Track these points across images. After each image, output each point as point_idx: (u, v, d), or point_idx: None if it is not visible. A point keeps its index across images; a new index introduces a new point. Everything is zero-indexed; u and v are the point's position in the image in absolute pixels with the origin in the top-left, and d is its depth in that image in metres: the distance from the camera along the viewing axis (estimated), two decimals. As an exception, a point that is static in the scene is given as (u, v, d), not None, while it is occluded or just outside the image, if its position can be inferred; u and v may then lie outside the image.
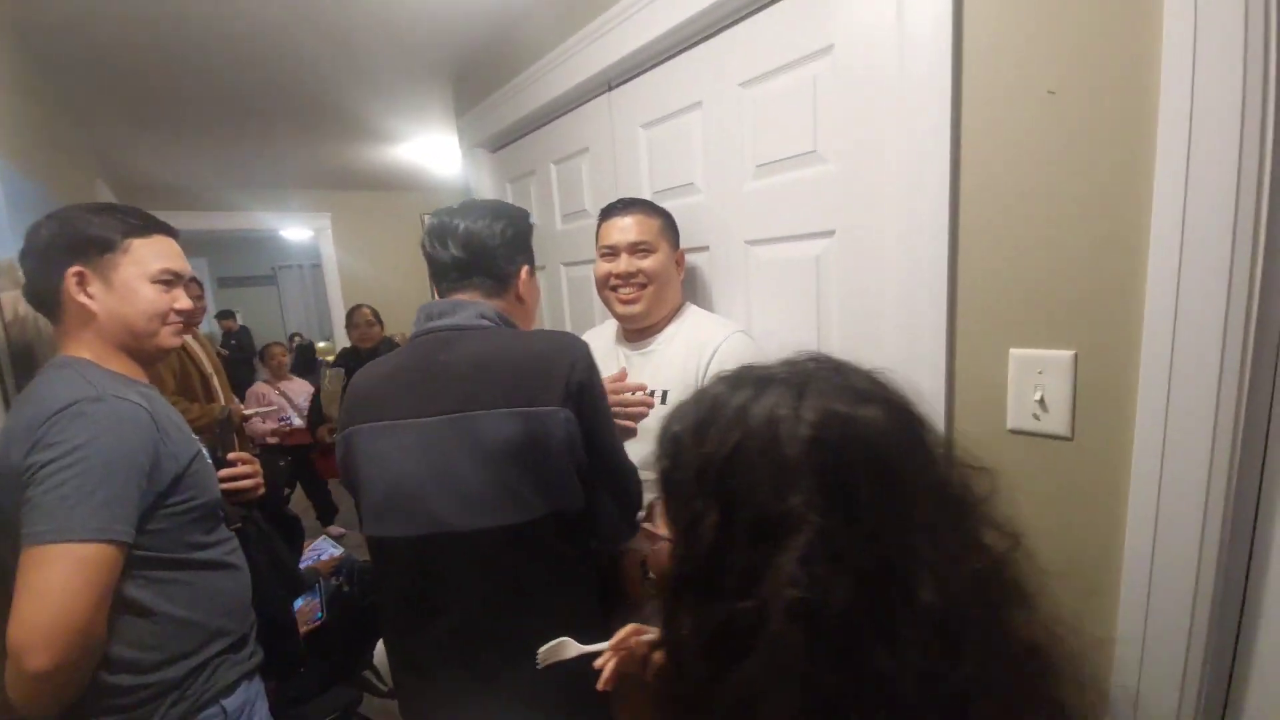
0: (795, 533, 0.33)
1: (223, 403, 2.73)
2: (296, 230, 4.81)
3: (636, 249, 1.14)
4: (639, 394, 1.14)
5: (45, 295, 0.92)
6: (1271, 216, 0.62)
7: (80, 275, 0.89)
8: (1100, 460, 0.76)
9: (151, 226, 0.96)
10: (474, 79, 2.08)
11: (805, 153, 1.06)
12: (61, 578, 0.74)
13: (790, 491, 0.34)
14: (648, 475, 0.84)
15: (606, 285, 1.18)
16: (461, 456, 0.86)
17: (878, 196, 0.95)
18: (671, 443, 0.41)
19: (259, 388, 3.67)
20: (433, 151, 3.34)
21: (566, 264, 1.81)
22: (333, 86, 2.33)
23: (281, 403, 3.64)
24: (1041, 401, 0.80)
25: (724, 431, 0.37)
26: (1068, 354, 0.77)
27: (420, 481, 0.88)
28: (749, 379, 0.40)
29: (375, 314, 3.41)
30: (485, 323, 0.94)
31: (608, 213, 1.20)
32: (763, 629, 0.33)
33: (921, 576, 0.32)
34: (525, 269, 1.03)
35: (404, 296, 4.75)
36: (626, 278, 1.14)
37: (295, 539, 1.38)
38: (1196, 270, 0.65)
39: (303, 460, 3.51)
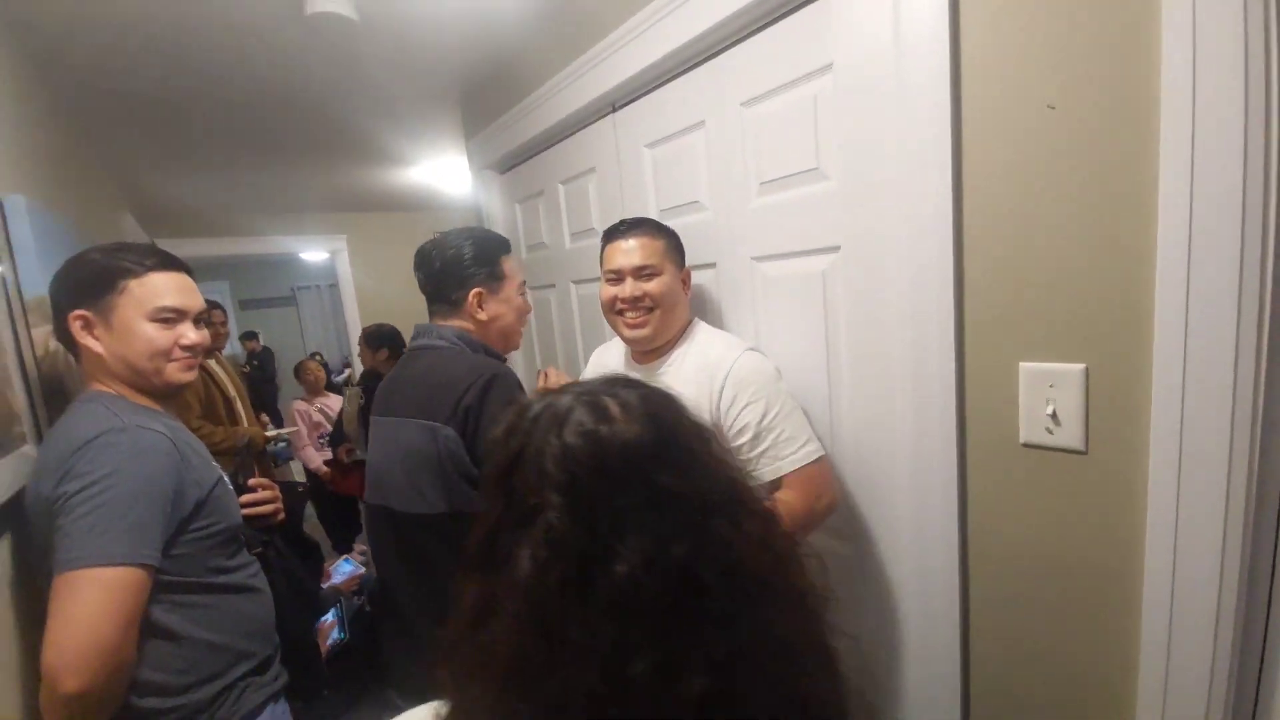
0: (534, 525, 0.41)
1: (246, 425, 2.79)
2: (314, 253, 4.91)
3: (641, 272, 1.14)
4: None
5: (62, 337, 0.95)
6: None
7: (83, 319, 0.92)
8: (1116, 473, 0.76)
9: (152, 265, 0.95)
10: (481, 103, 2.12)
11: (807, 170, 1.07)
12: (90, 602, 0.77)
13: (541, 491, 0.42)
14: None
15: (612, 309, 1.18)
16: (396, 452, 1.08)
17: (881, 211, 0.95)
18: (489, 445, 0.48)
19: (299, 405, 3.61)
20: (444, 173, 3.40)
21: (576, 281, 1.83)
22: (345, 112, 2.38)
23: (321, 419, 3.65)
24: (1054, 415, 0.79)
25: (518, 438, 0.45)
26: (1078, 368, 0.77)
27: (379, 464, 1.12)
28: (551, 393, 0.48)
29: (367, 339, 3.29)
30: (441, 343, 1.14)
31: (610, 235, 1.20)
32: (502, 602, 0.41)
33: (623, 557, 0.39)
34: (476, 291, 1.14)
35: (420, 313, 4.78)
36: (633, 302, 1.14)
37: (315, 562, 1.40)
38: (1205, 279, 0.65)
39: (318, 482, 3.50)
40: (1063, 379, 0.78)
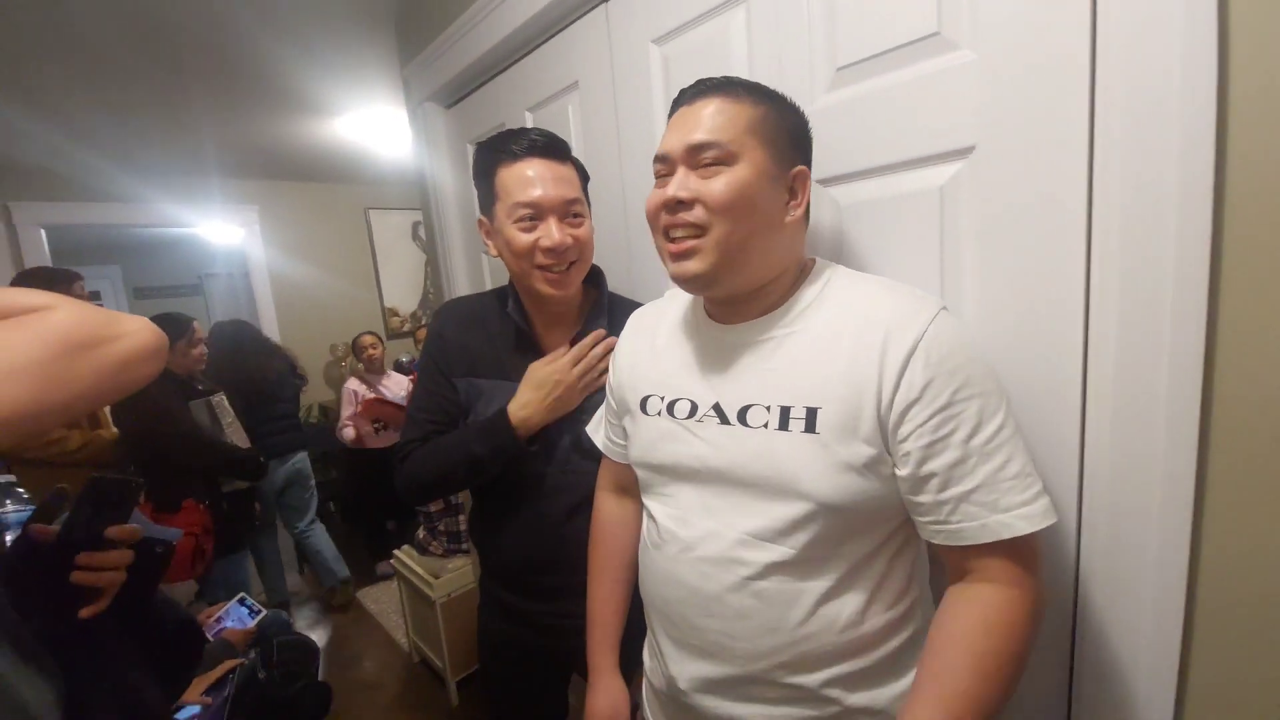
0: None
1: (113, 428, 2.24)
2: (219, 228, 4.18)
3: (699, 155, 0.65)
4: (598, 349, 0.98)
5: None
6: None
7: None
8: None
9: None
10: (420, 18, 1.67)
11: (922, 38, 0.72)
12: None
13: None
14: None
15: (655, 225, 0.71)
16: None
17: (1057, 91, 0.61)
18: None
19: (353, 385, 3.20)
20: (376, 127, 2.89)
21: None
22: (250, 41, 1.89)
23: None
24: None
25: None
26: None
27: None
28: None
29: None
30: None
31: (674, 104, 0.72)
32: None
33: None
34: (479, 218, 1.01)
35: (348, 299, 4.26)
36: (675, 208, 0.66)
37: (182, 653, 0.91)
38: None
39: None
40: None
